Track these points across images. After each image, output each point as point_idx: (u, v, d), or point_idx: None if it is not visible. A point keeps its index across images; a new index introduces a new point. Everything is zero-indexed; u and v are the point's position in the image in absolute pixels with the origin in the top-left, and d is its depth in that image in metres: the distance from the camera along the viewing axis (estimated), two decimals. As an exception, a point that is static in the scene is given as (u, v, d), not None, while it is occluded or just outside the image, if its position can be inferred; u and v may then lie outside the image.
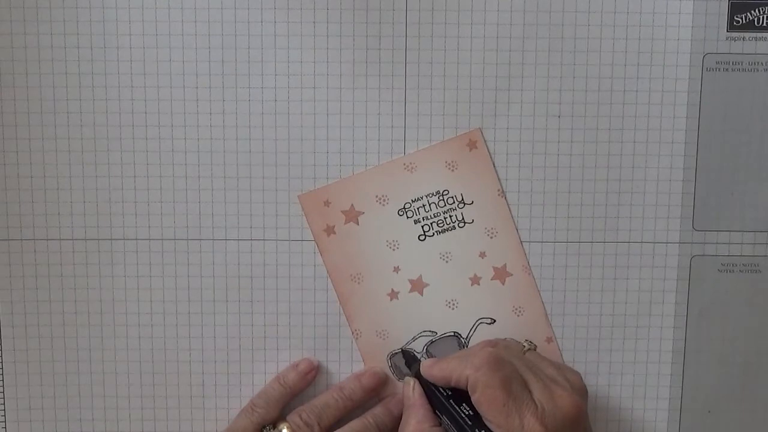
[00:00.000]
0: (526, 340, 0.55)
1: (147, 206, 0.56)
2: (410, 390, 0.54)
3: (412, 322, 0.57)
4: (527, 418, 0.48)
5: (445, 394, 0.52)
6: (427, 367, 0.53)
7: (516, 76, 0.55)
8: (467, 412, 0.50)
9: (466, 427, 0.50)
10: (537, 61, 0.55)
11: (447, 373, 0.52)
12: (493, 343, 0.54)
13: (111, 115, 0.55)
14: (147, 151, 0.55)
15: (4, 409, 0.57)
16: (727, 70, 0.55)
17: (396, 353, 0.57)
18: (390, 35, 0.55)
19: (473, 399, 0.50)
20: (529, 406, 0.48)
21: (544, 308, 0.57)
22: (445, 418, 0.51)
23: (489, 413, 0.49)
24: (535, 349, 0.55)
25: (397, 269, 0.57)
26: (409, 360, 0.56)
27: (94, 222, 0.56)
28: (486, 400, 0.49)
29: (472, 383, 0.50)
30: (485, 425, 0.49)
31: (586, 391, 0.52)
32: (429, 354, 0.57)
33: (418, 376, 0.54)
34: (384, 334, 0.57)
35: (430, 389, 0.53)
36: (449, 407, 0.51)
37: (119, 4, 0.54)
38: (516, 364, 0.51)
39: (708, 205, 0.56)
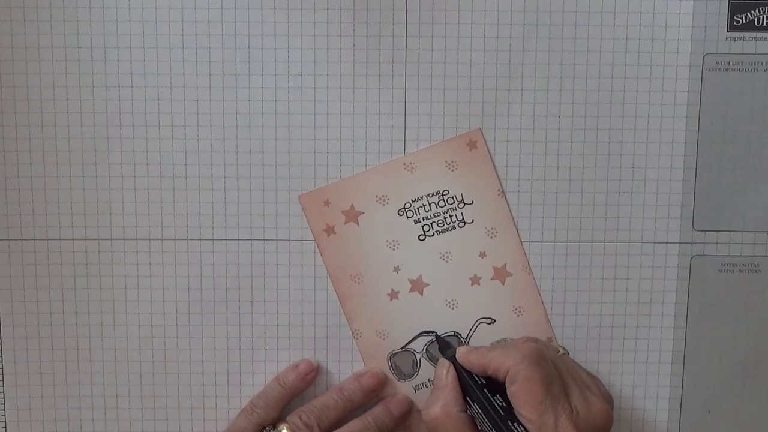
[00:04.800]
0: (561, 346, 0.56)
1: (147, 206, 0.56)
2: (444, 372, 0.53)
3: (412, 322, 0.57)
4: (562, 419, 0.48)
5: (479, 382, 0.52)
6: (464, 353, 0.53)
7: (516, 76, 0.55)
8: (500, 404, 0.50)
9: (496, 417, 0.49)
10: (537, 61, 0.55)
11: (486, 362, 0.51)
12: (534, 339, 0.54)
13: (111, 115, 0.55)
14: (147, 151, 0.55)
15: (4, 409, 0.57)
16: (727, 70, 0.55)
17: (396, 353, 0.57)
18: (390, 35, 0.55)
19: (510, 391, 0.49)
20: (565, 408, 0.48)
21: (544, 308, 0.57)
22: (475, 406, 0.51)
23: (524, 408, 0.48)
24: (568, 355, 0.55)
25: (397, 269, 0.57)
26: (442, 345, 0.56)
27: (94, 222, 0.56)
28: (524, 393, 0.49)
29: (512, 375, 0.49)
30: (516, 419, 0.49)
31: (613, 402, 0.52)
32: (429, 354, 0.57)
33: (452, 361, 0.54)
34: (384, 334, 0.57)
35: (463, 375, 0.53)
36: (482, 396, 0.51)
37: (119, 4, 0.54)
38: (556, 364, 0.51)
39: (708, 205, 0.56)
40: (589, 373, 0.53)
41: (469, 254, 0.57)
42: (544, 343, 0.55)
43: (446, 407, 0.51)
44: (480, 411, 0.51)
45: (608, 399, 0.52)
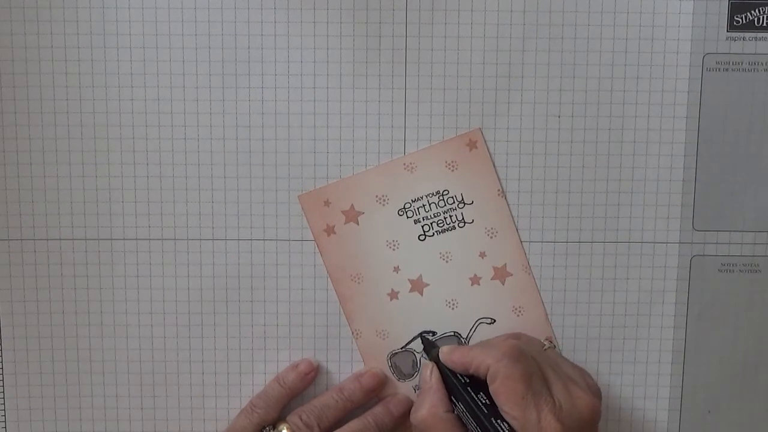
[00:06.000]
0: (546, 339, 0.56)
1: (147, 206, 0.56)
2: (428, 374, 0.53)
3: (412, 322, 0.57)
4: (544, 414, 0.48)
5: (463, 381, 0.52)
6: (446, 353, 0.53)
7: (516, 76, 0.55)
8: (484, 401, 0.50)
9: (481, 415, 0.49)
10: (537, 61, 0.55)
11: (467, 360, 0.51)
12: (516, 336, 0.54)
13: (111, 115, 0.55)
14: (147, 151, 0.55)
15: (4, 409, 0.57)
16: (727, 70, 0.55)
17: (396, 353, 0.57)
18: (390, 35, 0.55)
19: (492, 389, 0.49)
20: (548, 402, 0.48)
21: (544, 308, 0.57)
22: (460, 405, 0.51)
23: (506, 405, 0.49)
24: (554, 349, 0.55)
25: (397, 269, 0.57)
26: (427, 345, 0.56)
27: (94, 222, 0.56)
28: (505, 390, 0.49)
29: (493, 373, 0.49)
30: (501, 416, 0.49)
31: (601, 394, 0.52)
32: (429, 354, 0.57)
33: (436, 361, 0.54)
34: (384, 334, 0.57)
35: (447, 375, 0.53)
36: (466, 395, 0.51)
37: (119, 4, 0.54)
38: (538, 360, 0.51)
39: (708, 205, 0.56)
40: (575, 367, 0.53)
41: (469, 254, 0.57)
42: (527, 339, 0.55)
43: (433, 409, 0.52)
44: (465, 410, 0.51)
45: (595, 391, 0.52)
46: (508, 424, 0.49)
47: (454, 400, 0.52)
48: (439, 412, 0.51)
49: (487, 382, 0.50)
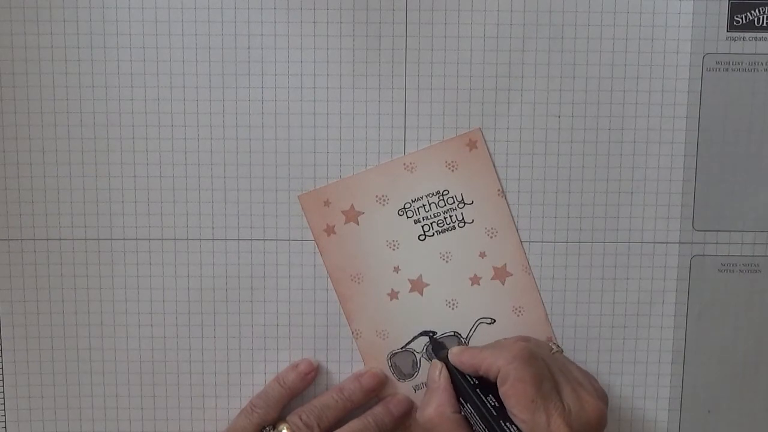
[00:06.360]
0: (554, 343, 0.56)
1: (147, 206, 0.56)
2: (436, 373, 0.53)
3: (412, 322, 0.57)
4: (554, 418, 0.48)
5: (472, 382, 0.52)
6: (456, 353, 0.53)
7: (516, 76, 0.55)
8: (492, 403, 0.50)
9: (489, 417, 0.49)
10: (537, 61, 0.55)
11: (477, 362, 0.51)
12: (526, 339, 0.54)
13: (111, 115, 0.55)
14: (147, 151, 0.55)
15: (4, 409, 0.57)
16: (727, 70, 0.55)
17: (396, 353, 0.57)
18: (390, 35, 0.55)
19: (501, 391, 0.49)
20: (557, 406, 0.48)
21: (544, 308, 0.57)
22: (468, 406, 0.51)
23: (516, 407, 0.49)
24: (562, 353, 0.55)
25: (397, 269, 0.57)
26: (436, 346, 0.56)
27: (94, 222, 0.56)
28: (515, 393, 0.49)
29: (503, 375, 0.49)
30: (509, 418, 0.49)
31: (608, 399, 0.52)
32: (429, 354, 0.57)
33: (445, 362, 0.54)
34: (384, 334, 0.57)
35: (456, 376, 0.53)
36: (474, 396, 0.51)
37: (119, 4, 0.54)
38: (547, 363, 0.51)
39: (708, 205, 0.56)
40: (582, 371, 0.53)
41: (469, 254, 0.57)
42: (536, 342, 0.55)
43: (440, 408, 0.52)
44: (473, 411, 0.51)
45: (602, 396, 0.52)
46: (516, 426, 0.49)
47: (462, 401, 0.52)
48: (447, 411, 0.51)
49: (497, 383, 0.50)
